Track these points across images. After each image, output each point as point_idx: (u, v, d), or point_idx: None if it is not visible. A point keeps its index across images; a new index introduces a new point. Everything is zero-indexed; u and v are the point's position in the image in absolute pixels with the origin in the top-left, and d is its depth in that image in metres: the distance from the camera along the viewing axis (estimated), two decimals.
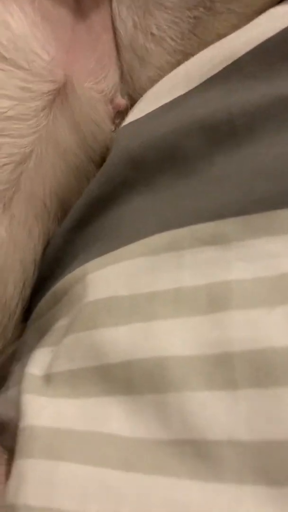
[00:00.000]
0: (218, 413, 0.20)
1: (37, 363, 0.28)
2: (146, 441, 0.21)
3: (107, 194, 0.31)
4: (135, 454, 0.21)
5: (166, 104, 0.31)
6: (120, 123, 0.36)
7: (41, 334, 0.31)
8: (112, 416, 0.22)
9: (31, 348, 0.31)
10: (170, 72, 0.34)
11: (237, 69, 0.29)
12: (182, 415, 0.20)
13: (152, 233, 0.26)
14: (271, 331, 0.20)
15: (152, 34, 0.34)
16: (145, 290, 0.24)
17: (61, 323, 0.29)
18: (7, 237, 0.31)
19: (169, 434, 0.21)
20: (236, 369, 0.20)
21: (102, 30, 0.35)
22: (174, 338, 0.22)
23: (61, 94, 0.33)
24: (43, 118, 0.32)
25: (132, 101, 0.36)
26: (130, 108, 0.37)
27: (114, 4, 0.34)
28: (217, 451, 0.19)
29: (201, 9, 0.33)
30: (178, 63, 0.34)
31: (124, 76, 0.37)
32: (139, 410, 0.22)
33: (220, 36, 0.33)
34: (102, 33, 0.35)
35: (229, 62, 0.30)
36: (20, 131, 0.32)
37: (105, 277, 0.26)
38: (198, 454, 0.20)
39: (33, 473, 0.22)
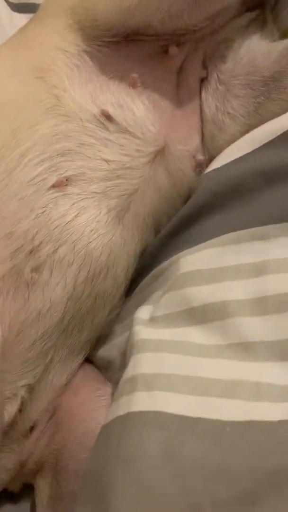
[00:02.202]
0: (255, 327, 0.35)
1: (143, 312, 0.44)
2: (212, 345, 0.36)
3: (194, 213, 0.47)
4: (206, 349, 0.36)
5: (236, 159, 0.48)
6: (200, 171, 0.54)
7: (141, 302, 0.47)
8: (193, 333, 0.38)
9: (133, 312, 0.47)
10: (239, 138, 0.51)
11: (284, 137, 0.46)
12: (235, 329, 0.36)
13: (222, 233, 0.42)
14: None
15: (228, 112, 0.52)
16: (217, 265, 0.40)
17: (158, 293, 0.45)
18: (120, 238, 0.48)
19: (226, 340, 0.36)
20: (267, 305, 0.36)
21: (192, 112, 0.52)
22: (233, 290, 0.38)
23: (160, 153, 0.50)
24: (147, 168, 0.49)
25: (211, 157, 0.54)
26: (208, 162, 0.54)
27: (203, 95, 0.53)
28: (254, 346, 0.34)
29: (262, 97, 0.51)
30: (246, 131, 0.51)
31: (205, 141, 0.54)
32: (208, 331, 0.37)
33: (275, 115, 0.50)
34: (191, 114, 0.52)
35: (280, 133, 0.46)
36: (132, 176, 0.48)
37: (192, 259, 0.43)
38: (243, 349, 0.35)
39: (145, 358, 0.37)
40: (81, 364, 0.49)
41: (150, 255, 0.51)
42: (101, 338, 0.50)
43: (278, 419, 0.30)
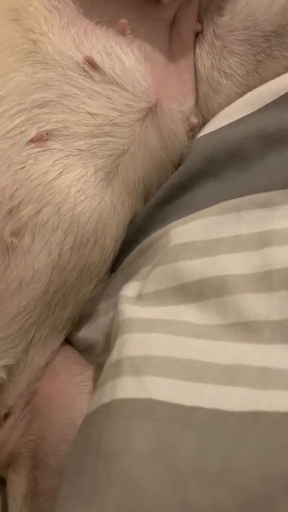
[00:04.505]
0: (259, 305, 0.31)
1: (130, 289, 0.39)
2: (210, 325, 0.32)
3: (185, 181, 0.43)
4: (202, 330, 0.32)
5: (233, 122, 0.43)
6: (192, 135, 0.49)
7: (128, 278, 0.43)
8: (186, 312, 0.34)
9: (119, 289, 0.42)
10: (236, 100, 0.46)
11: (286, 99, 0.41)
12: (235, 307, 0.32)
13: (220, 201, 0.38)
14: None
15: (224, 72, 0.47)
16: (214, 236, 0.36)
17: (147, 268, 0.41)
18: (109, 203, 0.43)
19: (226, 320, 0.32)
20: (273, 280, 0.31)
21: (185, 69, 0.47)
22: (233, 264, 0.34)
23: (152, 111, 0.45)
24: (138, 126, 0.44)
25: (204, 120, 0.49)
26: (201, 126, 0.49)
27: (197, 51, 0.48)
28: (258, 326, 0.30)
29: (263, 55, 0.46)
30: (243, 93, 0.46)
31: (199, 102, 0.49)
32: (205, 309, 0.33)
33: (276, 75, 0.45)
34: (185, 72, 0.47)
35: (282, 93, 0.42)
36: (121, 134, 0.43)
37: (184, 230, 0.38)
38: (245, 329, 0.31)
39: (132, 339, 0.33)
40: (61, 346, 0.44)
41: (137, 226, 0.46)
42: (84, 318, 0.46)
43: None
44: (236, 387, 0.28)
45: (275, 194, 0.35)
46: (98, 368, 0.42)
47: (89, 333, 0.45)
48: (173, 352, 0.31)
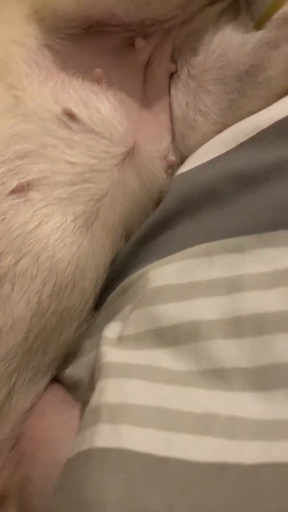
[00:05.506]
0: (230, 352, 0.32)
1: (111, 330, 0.40)
2: (184, 371, 0.33)
3: (164, 219, 0.44)
4: (177, 376, 0.33)
5: (209, 161, 0.44)
6: (171, 173, 0.50)
7: (111, 317, 0.44)
8: (162, 358, 0.35)
9: (102, 328, 0.43)
10: (212, 137, 0.47)
11: (259, 139, 0.42)
12: (208, 353, 0.33)
13: (193, 244, 0.39)
14: (265, 303, 0.32)
15: (199, 110, 0.48)
16: (188, 280, 0.37)
17: (127, 308, 0.42)
18: (88, 247, 0.44)
19: (199, 366, 0.33)
20: (242, 326, 0.32)
21: (161, 110, 0.49)
22: (205, 309, 0.35)
23: (130, 154, 0.46)
24: (116, 170, 0.45)
25: (183, 157, 0.50)
26: (179, 163, 0.51)
27: (172, 91, 0.49)
28: (229, 373, 0.31)
29: (236, 93, 0.47)
30: (219, 131, 0.47)
31: (176, 140, 0.50)
32: (180, 354, 0.34)
33: (250, 112, 0.46)
34: (160, 112, 0.49)
35: (255, 133, 0.43)
36: (101, 179, 0.44)
37: (161, 273, 0.39)
38: (217, 376, 0.32)
39: (110, 385, 0.34)
40: (47, 384, 0.45)
41: (119, 264, 0.47)
42: (69, 356, 0.47)
43: (253, 462, 0.26)
44: (205, 437, 0.28)
45: (246, 239, 0.36)
46: (85, 405, 0.43)
47: (74, 371, 0.46)
48: (148, 399, 0.32)
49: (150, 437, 0.30)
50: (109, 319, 0.43)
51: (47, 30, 0.47)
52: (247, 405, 0.29)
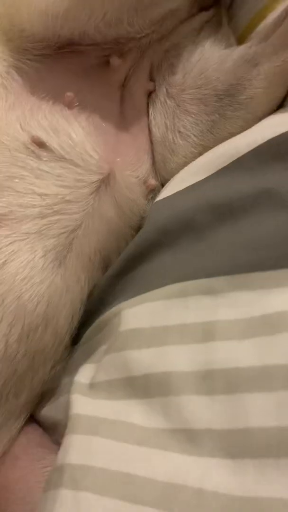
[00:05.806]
0: (202, 410, 0.29)
1: (84, 374, 0.38)
2: (154, 429, 0.31)
3: (141, 252, 0.41)
4: (146, 436, 0.30)
5: (188, 187, 0.42)
6: (152, 197, 0.47)
7: (88, 355, 0.41)
8: (133, 411, 0.32)
9: (79, 365, 0.41)
10: (193, 159, 0.45)
11: (239, 164, 0.40)
12: (178, 411, 0.30)
13: (168, 283, 0.36)
14: (238, 356, 0.29)
15: (179, 132, 0.45)
16: (160, 324, 0.34)
17: (103, 347, 0.40)
18: (61, 283, 0.42)
19: (170, 424, 0.30)
20: (215, 381, 0.30)
21: (139, 132, 0.46)
22: (178, 359, 0.32)
23: (105, 182, 0.43)
24: (91, 199, 0.42)
25: (164, 180, 0.47)
26: (162, 185, 0.48)
27: (151, 111, 0.46)
28: (199, 436, 0.29)
29: (216, 115, 0.44)
30: (199, 153, 0.45)
31: (157, 163, 0.48)
32: (151, 409, 0.32)
33: (231, 134, 0.43)
34: (139, 134, 0.46)
35: (235, 158, 0.40)
36: (74, 210, 0.42)
37: (134, 314, 0.37)
38: (187, 438, 0.29)
39: (76, 443, 0.32)
40: (23, 426, 0.43)
41: (98, 298, 0.45)
42: (47, 392, 0.45)
43: None
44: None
45: (221, 280, 0.33)
46: None
47: (52, 411, 0.44)
48: (113, 463, 0.30)
49: (112, 508, 0.28)
50: (85, 356, 0.41)
51: (16, 52, 0.45)
52: (216, 475, 0.27)
